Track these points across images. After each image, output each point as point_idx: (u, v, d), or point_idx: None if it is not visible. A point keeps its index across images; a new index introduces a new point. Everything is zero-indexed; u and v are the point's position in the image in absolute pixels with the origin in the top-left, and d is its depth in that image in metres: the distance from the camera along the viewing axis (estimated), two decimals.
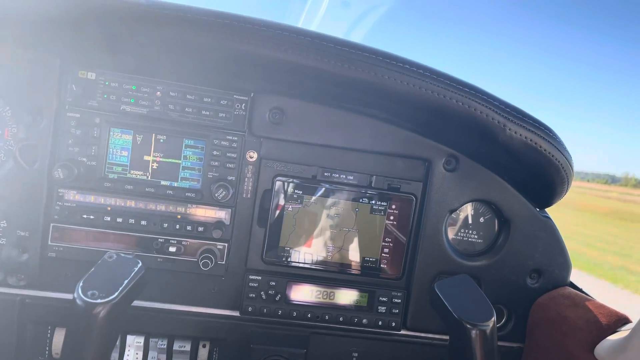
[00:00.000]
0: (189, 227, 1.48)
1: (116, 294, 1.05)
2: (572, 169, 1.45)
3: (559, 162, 1.39)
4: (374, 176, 1.54)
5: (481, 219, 1.62)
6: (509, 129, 1.33)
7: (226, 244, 1.51)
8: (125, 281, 1.09)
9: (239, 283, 1.54)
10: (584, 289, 1.61)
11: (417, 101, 1.33)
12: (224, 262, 1.51)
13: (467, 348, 1.07)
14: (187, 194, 1.47)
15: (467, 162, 1.54)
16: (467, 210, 1.62)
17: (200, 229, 1.49)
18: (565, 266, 1.62)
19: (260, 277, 1.53)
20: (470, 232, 1.63)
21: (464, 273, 1.58)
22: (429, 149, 1.54)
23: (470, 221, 1.62)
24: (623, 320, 1.37)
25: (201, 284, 1.53)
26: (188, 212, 1.49)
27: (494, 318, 1.08)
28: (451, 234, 1.62)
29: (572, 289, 1.60)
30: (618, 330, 1.35)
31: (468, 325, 1.05)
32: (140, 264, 1.15)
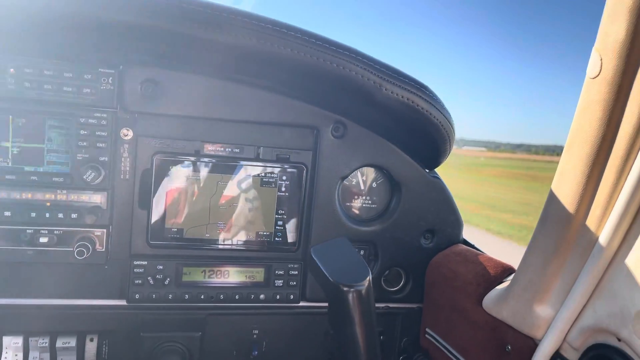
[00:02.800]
0: (60, 215, 1.37)
1: None
2: (452, 127, 1.46)
3: (437, 120, 1.40)
4: (262, 147, 1.48)
5: (374, 184, 1.61)
6: (385, 89, 1.32)
7: (105, 230, 1.41)
8: None
9: (123, 270, 1.44)
10: (475, 245, 1.65)
11: (291, 64, 1.29)
12: (103, 250, 1.41)
13: (345, 310, 1.04)
14: (54, 178, 1.35)
15: (355, 128, 1.52)
16: (359, 176, 1.60)
17: (73, 215, 1.37)
18: (457, 224, 1.65)
19: (146, 262, 1.44)
20: (364, 197, 1.61)
21: (360, 239, 1.58)
22: (316, 117, 1.50)
23: (362, 187, 1.61)
24: (508, 271, 1.40)
25: (81, 274, 1.43)
26: (58, 198, 1.37)
27: (369, 277, 1.07)
28: (345, 200, 1.60)
29: (465, 246, 1.63)
30: (504, 280, 1.39)
31: (344, 288, 1.03)
32: None
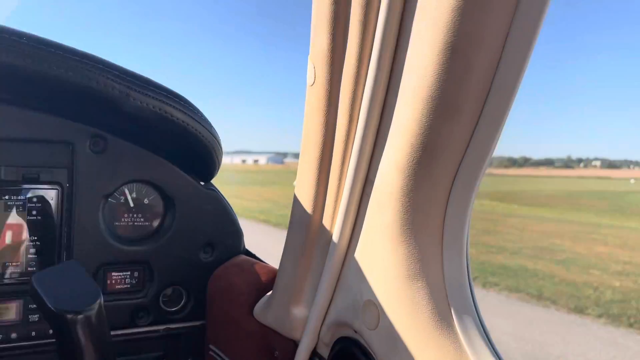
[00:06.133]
0: None
1: None
2: (215, 138, 1.45)
3: (196, 130, 1.38)
4: (2, 167, 1.31)
5: (145, 201, 1.53)
6: (133, 99, 1.25)
7: None
8: None
9: None
10: (257, 255, 1.66)
11: (26, 75, 1.15)
12: None
13: (74, 342, 0.95)
14: None
15: (117, 142, 1.42)
16: (127, 193, 1.50)
17: None
18: (237, 235, 1.64)
19: None
20: (135, 215, 1.52)
21: (132, 260, 1.48)
22: (69, 131, 1.37)
23: (132, 204, 1.51)
24: None
25: None
26: None
27: (99, 301, 0.98)
28: (113, 220, 1.49)
29: (246, 257, 1.63)
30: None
31: (69, 315, 0.93)
32: None
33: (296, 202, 1.15)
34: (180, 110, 1.32)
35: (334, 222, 1.09)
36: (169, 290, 1.56)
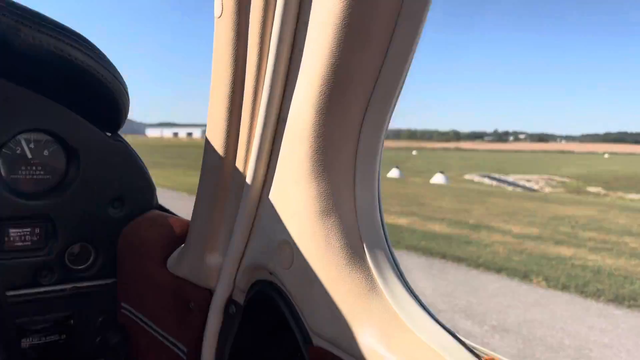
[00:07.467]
0: None
1: None
2: (120, 83, 1.36)
3: (99, 74, 1.28)
4: None
5: (45, 152, 1.41)
6: (25, 34, 1.14)
7: None
8: None
9: None
10: (171, 209, 1.60)
11: None
12: None
13: None
14: None
15: (11, 88, 1.30)
16: (24, 143, 1.38)
17: None
18: (149, 189, 1.57)
19: None
20: (33, 168, 1.40)
21: (33, 215, 1.38)
22: None
23: (30, 156, 1.39)
24: None
25: None
26: None
27: None
28: (11, 173, 1.37)
29: (159, 211, 1.57)
30: None
31: None
32: None
33: (207, 145, 1.10)
34: (79, 50, 1.22)
35: (247, 164, 1.06)
36: (76, 248, 1.47)
